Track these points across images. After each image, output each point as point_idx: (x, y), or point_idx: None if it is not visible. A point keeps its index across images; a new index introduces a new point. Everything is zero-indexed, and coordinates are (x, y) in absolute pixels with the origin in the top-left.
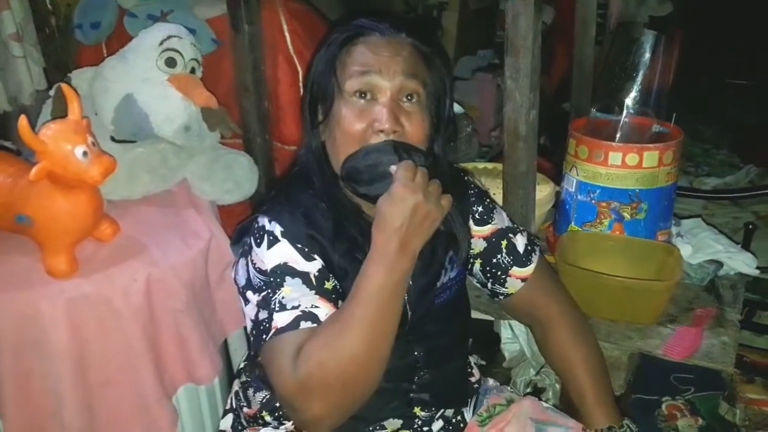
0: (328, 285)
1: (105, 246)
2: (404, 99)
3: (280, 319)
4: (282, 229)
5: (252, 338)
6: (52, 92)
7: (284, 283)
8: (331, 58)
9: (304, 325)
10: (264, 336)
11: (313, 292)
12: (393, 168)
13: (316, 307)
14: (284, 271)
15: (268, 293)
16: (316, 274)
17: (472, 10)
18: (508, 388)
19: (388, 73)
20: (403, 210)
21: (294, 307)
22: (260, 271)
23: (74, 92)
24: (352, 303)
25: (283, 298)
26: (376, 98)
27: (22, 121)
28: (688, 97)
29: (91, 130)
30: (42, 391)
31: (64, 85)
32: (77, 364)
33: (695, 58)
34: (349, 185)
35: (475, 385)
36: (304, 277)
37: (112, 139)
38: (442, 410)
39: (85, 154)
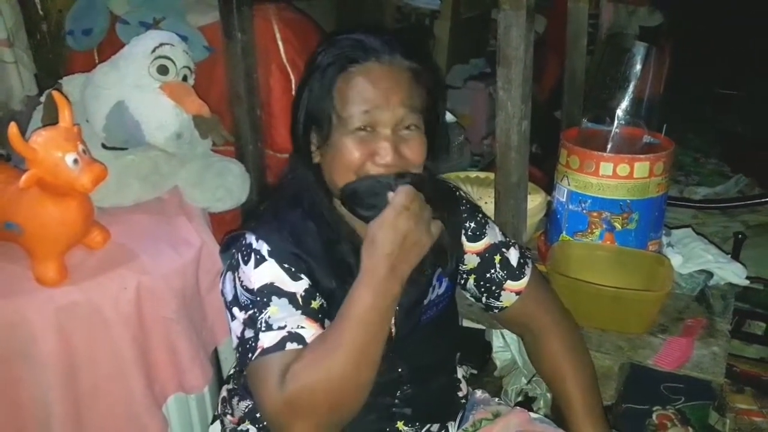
0: (315, 304)
1: (95, 253)
2: (404, 129)
3: (266, 339)
4: (269, 249)
5: (238, 354)
6: (42, 98)
7: (270, 303)
8: (328, 86)
9: (290, 346)
10: (250, 355)
11: (300, 312)
12: (390, 195)
13: (302, 327)
14: (271, 290)
15: (255, 312)
16: (303, 294)
17: (464, 18)
18: (496, 400)
19: (389, 106)
20: (394, 236)
21: (280, 328)
22: (247, 290)
23: (65, 99)
24: (340, 325)
25: (269, 317)
26: (376, 130)
27: (13, 128)
28: (677, 106)
29: (82, 138)
30: (30, 400)
31: (55, 92)
32: (66, 373)
33: (685, 67)
34: (349, 206)
35: (462, 400)
36: (290, 297)
37: (103, 146)
38: (427, 425)
39: (75, 161)
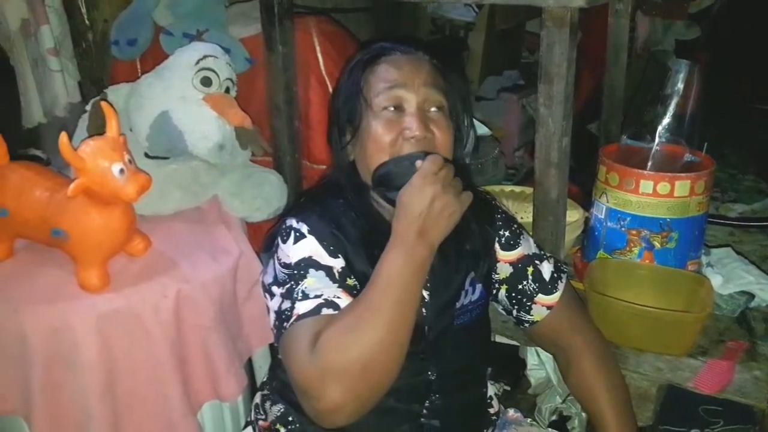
0: (350, 282)
1: (136, 261)
2: (430, 109)
3: (302, 307)
4: (309, 228)
5: (275, 330)
6: (88, 107)
7: (308, 275)
8: (356, 80)
9: (326, 311)
10: (285, 324)
11: (336, 285)
12: (418, 163)
13: (338, 297)
14: (309, 263)
15: (292, 285)
16: (339, 270)
17: (498, 31)
18: (528, 420)
19: (413, 85)
20: (421, 199)
21: (317, 296)
22: (285, 265)
23: (113, 110)
24: (371, 289)
25: (306, 288)
26: (403, 109)
27: (63, 138)
28: (713, 122)
29: (128, 147)
30: (70, 404)
31: (102, 103)
32: (106, 378)
33: (721, 82)
34: (380, 190)
35: (494, 418)
36: (327, 270)
37: (146, 155)
38: None
39: (121, 171)
